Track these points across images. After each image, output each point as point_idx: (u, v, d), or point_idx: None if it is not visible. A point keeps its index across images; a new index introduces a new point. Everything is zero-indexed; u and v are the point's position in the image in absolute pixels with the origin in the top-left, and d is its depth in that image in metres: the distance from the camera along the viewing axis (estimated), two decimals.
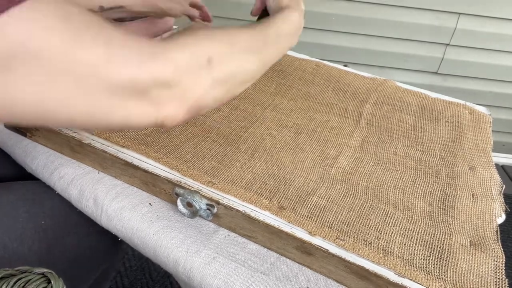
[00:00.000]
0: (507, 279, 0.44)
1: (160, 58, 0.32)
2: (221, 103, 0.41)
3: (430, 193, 0.55)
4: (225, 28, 0.40)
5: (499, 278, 0.44)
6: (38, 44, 0.26)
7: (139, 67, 0.30)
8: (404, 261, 0.44)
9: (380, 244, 0.46)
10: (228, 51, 0.39)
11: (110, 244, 0.65)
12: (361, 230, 0.47)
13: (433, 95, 0.78)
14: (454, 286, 0.42)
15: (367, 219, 0.49)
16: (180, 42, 0.34)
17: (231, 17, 1.41)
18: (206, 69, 0.35)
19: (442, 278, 0.43)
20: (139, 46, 0.31)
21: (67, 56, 0.27)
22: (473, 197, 0.55)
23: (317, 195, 0.51)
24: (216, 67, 0.36)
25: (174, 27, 0.92)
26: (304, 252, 0.46)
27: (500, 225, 0.51)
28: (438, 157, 0.62)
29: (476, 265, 0.45)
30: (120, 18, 0.67)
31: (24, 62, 0.26)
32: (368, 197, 0.52)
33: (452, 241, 0.48)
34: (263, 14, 0.55)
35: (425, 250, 0.46)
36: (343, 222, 0.48)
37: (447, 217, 0.51)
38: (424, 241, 0.47)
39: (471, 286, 0.43)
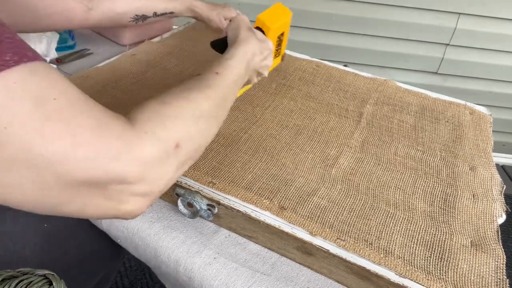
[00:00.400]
0: (508, 279, 0.44)
1: (126, 157, 0.30)
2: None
3: (431, 193, 0.55)
4: (189, 98, 0.38)
5: (499, 278, 0.44)
6: (1, 128, 0.24)
7: (99, 167, 0.28)
8: (405, 261, 0.44)
9: (381, 244, 0.46)
10: (195, 128, 0.37)
11: (111, 247, 0.65)
12: (362, 230, 0.47)
13: (434, 95, 0.78)
14: (455, 287, 0.42)
15: (368, 220, 0.49)
16: (149, 131, 0.32)
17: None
18: (173, 156, 0.34)
19: (443, 278, 0.43)
20: (106, 141, 0.29)
21: (26, 146, 0.26)
22: (473, 197, 0.55)
23: (318, 195, 0.51)
24: (183, 149, 0.35)
25: (175, 26, 0.92)
26: (305, 253, 0.46)
27: (501, 225, 0.51)
28: (438, 157, 0.62)
29: (477, 265, 0.45)
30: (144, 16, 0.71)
31: None
32: (369, 197, 0.52)
33: (453, 241, 0.47)
34: (220, 42, 0.55)
35: (426, 250, 0.46)
36: (343, 223, 0.48)
37: (447, 217, 0.51)
38: (425, 242, 0.47)
39: (472, 286, 0.43)
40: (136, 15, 0.68)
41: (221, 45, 0.54)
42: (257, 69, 0.53)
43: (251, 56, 0.50)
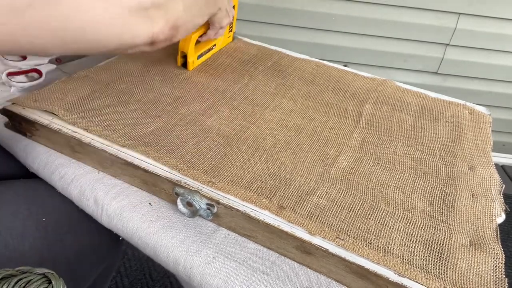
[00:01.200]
0: (506, 279, 0.44)
1: None
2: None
3: (430, 192, 0.55)
4: None
5: (498, 278, 0.44)
6: None
7: None
8: (404, 260, 0.44)
9: (380, 243, 0.46)
10: None
11: (111, 242, 0.65)
12: (361, 229, 0.47)
13: (433, 95, 0.78)
14: (454, 286, 0.42)
15: (367, 219, 0.49)
16: None
17: None
18: None
19: (441, 277, 0.43)
20: None
21: None
22: (473, 197, 0.55)
23: (317, 194, 0.51)
24: None
25: None
26: (304, 252, 0.46)
27: (500, 225, 0.51)
28: (438, 157, 0.62)
29: (475, 264, 0.45)
30: None
31: None
32: (368, 196, 0.52)
33: (452, 240, 0.48)
34: None
35: (425, 249, 0.46)
36: (343, 222, 0.48)
37: (447, 216, 0.51)
38: (424, 241, 0.47)
39: (471, 285, 0.43)
40: None
41: None
42: (226, 7, 0.62)
43: None
